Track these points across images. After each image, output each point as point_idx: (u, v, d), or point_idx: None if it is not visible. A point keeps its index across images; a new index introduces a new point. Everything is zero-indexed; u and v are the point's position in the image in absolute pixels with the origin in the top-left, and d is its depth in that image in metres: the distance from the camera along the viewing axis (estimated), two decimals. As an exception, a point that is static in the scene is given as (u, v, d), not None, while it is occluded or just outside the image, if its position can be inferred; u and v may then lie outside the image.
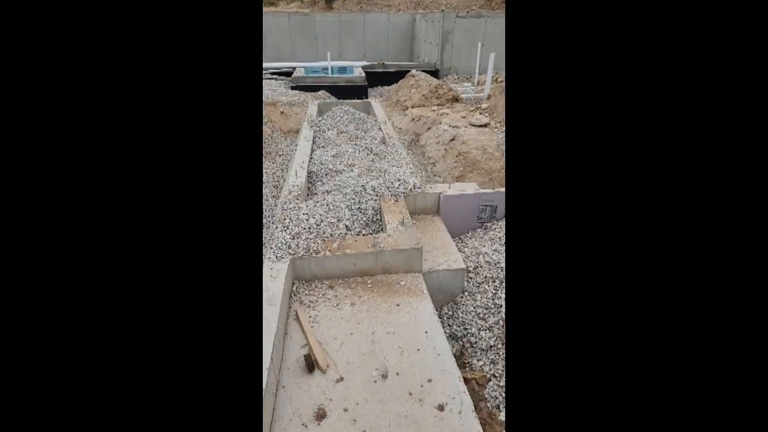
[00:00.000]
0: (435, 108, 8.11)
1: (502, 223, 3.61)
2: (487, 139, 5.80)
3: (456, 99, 9.02)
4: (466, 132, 6.17)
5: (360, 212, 3.34)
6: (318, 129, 5.43)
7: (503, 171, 4.97)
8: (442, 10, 11.15)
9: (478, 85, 10.32)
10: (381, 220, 3.33)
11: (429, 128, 6.98)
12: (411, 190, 3.64)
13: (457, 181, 5.22)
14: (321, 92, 9.40)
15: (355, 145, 4.82)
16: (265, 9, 17.29)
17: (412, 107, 9.07)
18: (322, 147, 4.91)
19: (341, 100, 7.82)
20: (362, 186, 3.55)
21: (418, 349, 2.21)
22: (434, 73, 11.43)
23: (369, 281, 2.76)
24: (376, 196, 3.48)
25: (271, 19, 12.91)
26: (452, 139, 6.09)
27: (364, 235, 3.19)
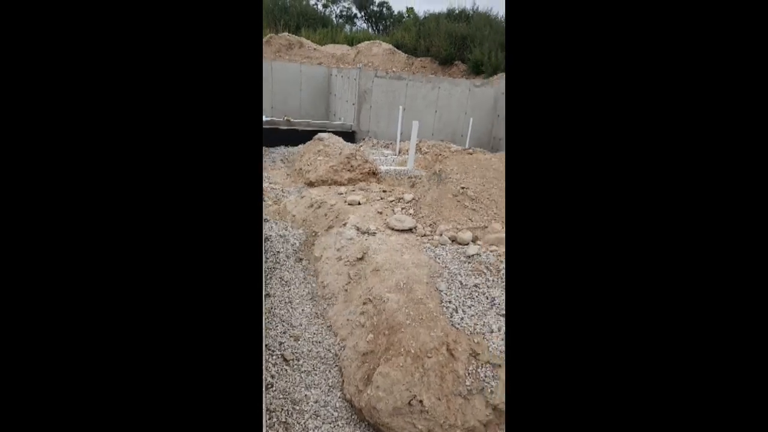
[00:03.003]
0: (344, 190, 5.74)
1: None
2: (413, 262, 3.45)
3: (373, 173, 6.81)
4: (383, 244, 3.79)
5: None
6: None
7: (450, 352, 2.58)
8: (359, 67, 9.25)
9: (400, 153, 8.34)
10: None
11: (330, 227, 4.50)
12: None
13: (363, 364, 2.68)
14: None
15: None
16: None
17: (317, 181, 6.64)
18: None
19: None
20: None
21: None
22: (350, 136, 9.28)
23: None
24: None
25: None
26: (361, 258, 3.65)
27: None
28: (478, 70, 12.54)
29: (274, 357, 2.87)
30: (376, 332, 2.77)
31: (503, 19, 15.32)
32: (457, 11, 16.65)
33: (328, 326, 3.21)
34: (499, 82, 10.36)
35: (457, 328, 2.72)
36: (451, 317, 2.81)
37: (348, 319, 3.09)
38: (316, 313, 3.41)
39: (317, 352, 2.98)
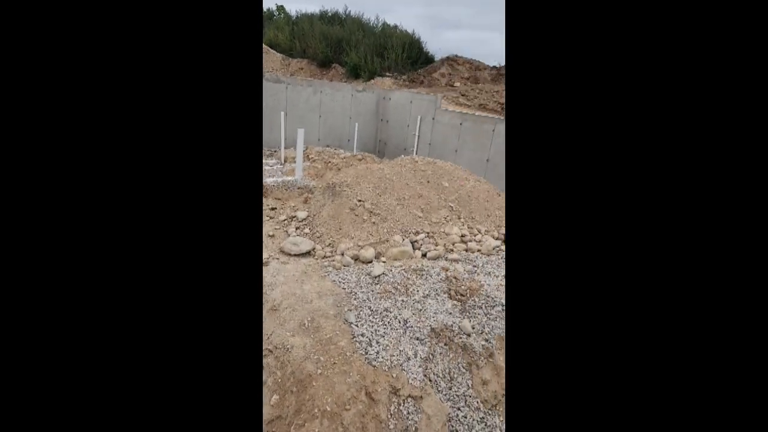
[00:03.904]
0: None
1: None
2: (316, 292, 3.07)
3: (258, 187, 6.10)
4: (279, 275, 3.31)
5: None
6: None
7: (370, 395, 2.29)
8: (229, 67, 8.25)
9: (285, 162, 7.72)
10: None
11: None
12: None
13: (269, 435, 2.20)
14: None
15: None
16: None
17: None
18: None
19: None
20: None
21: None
22: (226, 144, 8.21)
23: None
24: None
25: None
26: (253, 296, 3.08)
27: None
28: (356, 74, 12.57)
29: None
30: (282, 391, 2.31)
31: (374, 25, 15.72)
32: (330, 13, 16.44)
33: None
34: (378, 86, 10.51)
35: (374, 366, 2.46)
36: (366, 353, 2.53)
37: (245, 378, 2.54)
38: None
39: (208, 430, 2.37)
